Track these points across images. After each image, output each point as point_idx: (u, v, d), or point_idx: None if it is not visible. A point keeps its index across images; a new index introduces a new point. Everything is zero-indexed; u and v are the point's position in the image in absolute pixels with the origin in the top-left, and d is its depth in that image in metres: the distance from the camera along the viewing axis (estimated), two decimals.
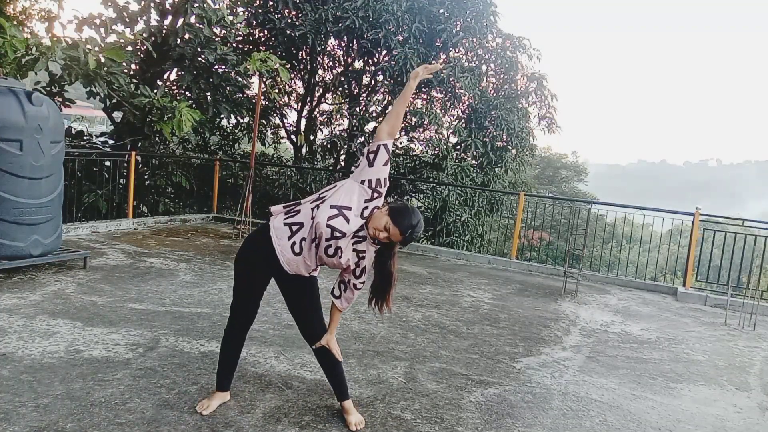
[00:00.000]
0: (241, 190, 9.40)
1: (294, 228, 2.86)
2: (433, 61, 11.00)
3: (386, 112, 12.24)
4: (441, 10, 10.82)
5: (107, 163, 9.42)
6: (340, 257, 2.79)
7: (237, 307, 3.10)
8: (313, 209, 2.83)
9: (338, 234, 2.75)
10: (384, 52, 11.19)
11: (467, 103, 11.65)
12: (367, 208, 2.81)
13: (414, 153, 12.36)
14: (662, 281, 8.61)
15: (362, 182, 2.84)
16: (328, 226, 2.74)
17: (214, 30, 9.64)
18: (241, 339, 3.16)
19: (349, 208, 2.78)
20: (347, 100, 12.53)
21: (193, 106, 9.39)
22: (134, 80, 9.30)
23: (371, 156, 2.83)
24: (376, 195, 2.84)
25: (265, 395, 3.37)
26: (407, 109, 11.47)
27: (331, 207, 2.77)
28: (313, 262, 2.89)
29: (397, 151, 12.60)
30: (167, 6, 9.46)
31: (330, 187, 2.91)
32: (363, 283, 2.95)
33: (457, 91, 11.04)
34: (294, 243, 2.85)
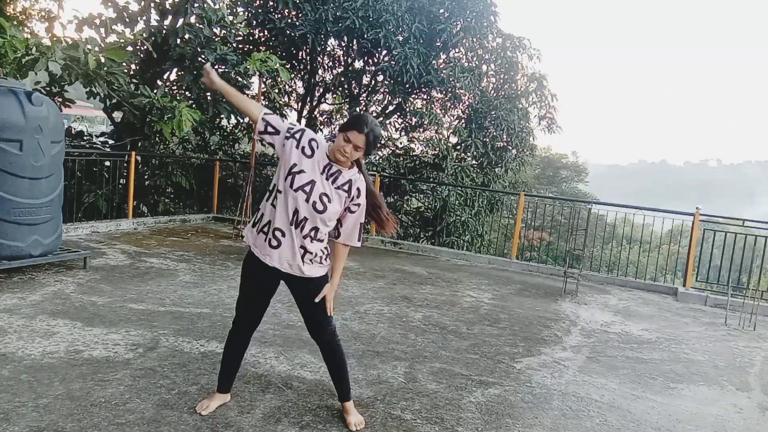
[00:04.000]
0: (241, 190, 9.41)
1: (266, 229, 2.88)
2: (432, 61, 11.01)
3: (386, 112, 12.25)
4: (441, 10, 10.82)
5: (107, 163, 9.42)
6: (330, 201, 2.81)
7: (241, 310, 3.09)
8: (272, 202, 2.87)
9: (307, 185, 2.79)
10: (384, 52, 11.19)
11: (467, 103, 11.65)
12: (304, 148, 2.85)
13: (414, 153, 12.36)
14: (662, 281, 8.60)
15: (281, 152, 2.88)
16: (296, 189, 2.78)
17: (214, 30, 9.64)
18: (244, 342, 3.15)
19: (294, 164, 2.82)
20: (347, 100, 12.54)
21: (193, 106, 9.39)
22: (134, 80, 9.30)
23: (269, 128, 2.89)
24: (294, 134, 2.87)
25: (265, 395, 3.37)
26: (407, 109, 11.49)
27: (285, 179, 2.81)
28: (301, 241, 2.83)
29: (397, 151, 12.61)
30: (167, 6, 9.45)
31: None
32: (357, 205, 2.92)
33: (457, 91, 11.05)
34: (270, 240, 2.87)
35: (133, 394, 3.23)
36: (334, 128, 13.26)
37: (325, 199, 2.81)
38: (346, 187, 2.87)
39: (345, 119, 2.88)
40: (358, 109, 11.64)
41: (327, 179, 2.84)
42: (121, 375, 3.46)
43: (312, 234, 2.86)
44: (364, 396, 3.49)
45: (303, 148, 2.85)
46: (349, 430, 3.05)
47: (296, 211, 2.80)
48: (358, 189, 2.90)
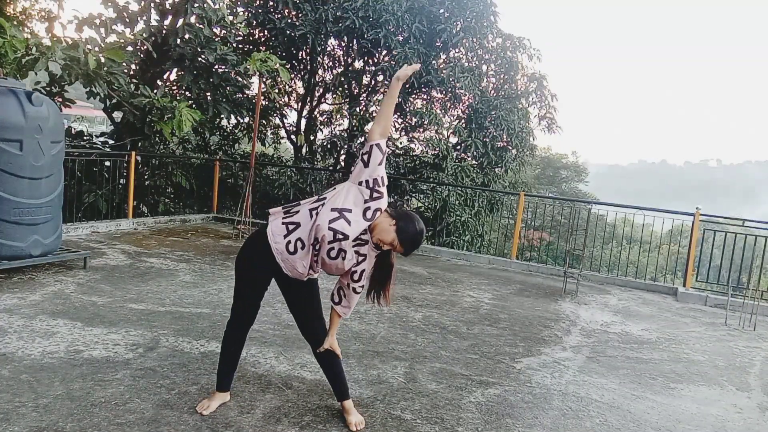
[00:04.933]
0: (241, 190, 9.40)
1: (290, 227, 2.87)
2: (432, 61, 11.01)
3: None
4: (441, 10, 10.82)
5: (107, 163, 9.42)
6: (344, 259, 2.80)
7: (237, 306, 3.10)
8: (311, 211, 2.83)
9: (340, 236, 2.75)
10: (384, 52, 11.19)
11: (467, 103, 11.65)
12: (369, 209, 2.81)
13: (414, 153, 12.35)
14: (662, 281, 8.61)
15: (360, 183, 2.83)
16: (330, 228, 2.74)
17: (214, 30, 9.64)
18: (240, 339, 3.16)
19: (350, 211, 2.78)
20: (347, 100, 12.53)
21: (193, 106, 9.39)
22: (134, 80, 9.30)
23: (365, 157, 2.83)
24: (375, 195, 2.82)
25: (265, 395, 3.37)
26: (408, 109, 11.49)
27: (332, 210, 2.77)
28: (308, 265, 2.88)
29: (397, 151, 12.60)
30: (167, 6, 9.45)
31: (330, 189, 2.92)
32: (362, 287, 2.95)
33: (457, 91, 11.04)
34: (289, 242, 2.86)
35: (133, 394, 3.23)
36: (334, 128, 13.26)
37: (342, 253, 2.80)
38: (360, 257, 2.87)
39: (408, 224, 2.74)
40: (358, 110, 11.63)
41: (353, 241, 2.80)
42: (121, 375, 3.46)
43: (316, 262, 2.89)
44: (364, 396, 3.49)
45: (366, 210, 2.81)
46: (349, 429, 3.05)
47: (317, 241, 2.81)
48: (363, 271, 2.90)
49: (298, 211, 2.89)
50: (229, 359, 3.17)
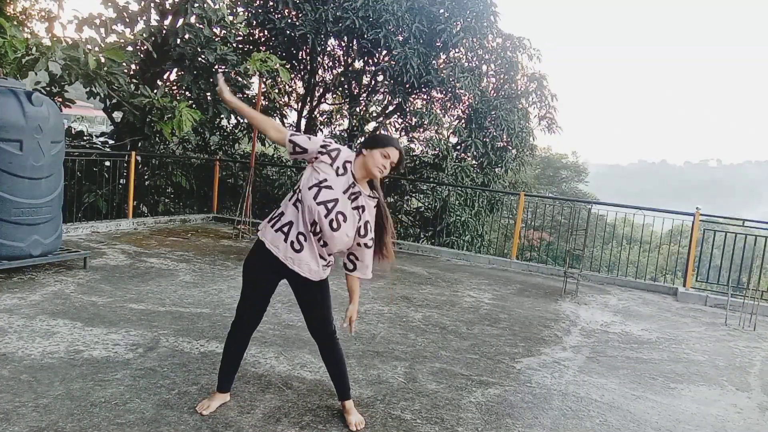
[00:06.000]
0: (241, 190, 9.41)
1: (285, 229, 2.89)
2: (432, 61, 11.00)
3: (386, 112, 12.25)
4: (441, 10, 10.82)
5: (107, 163, 9.42)
6: (346, 221, 2.85)
7: (240, 307, 3.10)
8: (294, 204, 2.89)
9: (331, 203, 2.83)
10: (384, 52, 11.20)
11: (467, 103, 11.65)
12: (333, 163, 2.89)
13: (414, 153, 12.35)
14: (662, 281, 8.61)
15: (311, 162, 2.92)
16: (319, 203, 2.81)
17: (214, 30, 9.64)
18: (242, 340, 3.15)
19: (324, 179, 2.86)
20: (347, 100, 12.53)
21: (193, 106, 9.39)
22: (134, 80, 9.30)
23: (297, 148, 2.93)
24: (329, 151, 2.91)
25: (265, 395, 3.37)
26: (408, 109, 11.49)
27: (309, 189, 2.84)
28: (318, 255, 2.90)
29: None
30: (167, 6, 9.45)
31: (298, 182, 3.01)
32: (372, 239, 2.99)
33: (457, 91, 11.04)
34: (292, 242, 2.88)
35: (133, 394, 3.23)
36: (334, 128, 13.26)
37: (341, 217, 2.84)
38: (360, 210, 2.92)
39: (371, 137, 2.96)
40: (358, 110, 11.64)
41: (348, 198, 2.88)
42: (121, 375, 3.46)
43: (323, 245, 2.91)
44: (364, 396, 3.49)
45: (337, 168, 2.89)
46: (349, 429, 3.05)
47: (314, 223, 2.84)
48: (367, 222, 2.95)
49: (283, 212, 2.93)
50: (231, 361, 3.17)
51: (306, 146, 2.92)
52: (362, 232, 2.94)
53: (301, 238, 2.87)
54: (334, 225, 2.83)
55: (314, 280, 2.95)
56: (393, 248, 3.07)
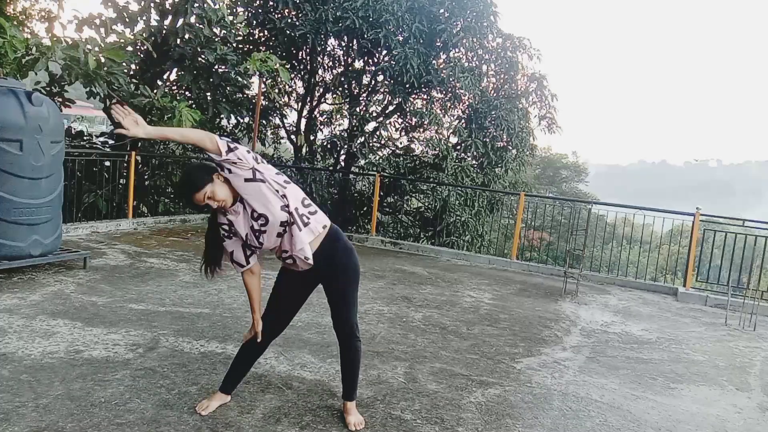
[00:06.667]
0: None
1: (248, 252, 2.95)
2: (432, 61, 10.98)
3: (386, 112, 12.25)
4: (441, 10, 10.82)
5: (107, 163, 9.41)
6: (267, 211, 2.82)
7: (269, 318, 3.11)
8: (242, 234, 2.89)
9: (241, 229, 2.89)
10: (384, 52, 11.20)
11: (467, 103, 11.65)
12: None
13: (414, 153, 12.36)
14: (662, 281, 8.60)
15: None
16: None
17: (214, 30, 9.63)
18: (259, 349, 3.18)
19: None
20: (347, 100, 12.53)
21: (193, 106, 9.39)
22: (134, 80, 9.30)
23: (234, 167, 2.80)
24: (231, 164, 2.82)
25: (265, 395, 3.37)
26: (408, 109, 11.49)
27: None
28: (274, 236, 2.87)
29: (397, 151, 12.61)
30: (167, 6, 9.45)
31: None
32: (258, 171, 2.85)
33: (457, 91, 11.04)
34: (284, 259, 2.94)
35: (133, 394, 3.23)
36: (334, 128, 13.26)
37: (262, 219, 2.82)
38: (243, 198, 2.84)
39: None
40: (358, 110, 11.63)
41: (248, 217, 2.85)
42: (121, 375, 3.46)
43: (284, 225, 2.84)
44: (364, 396, 3.49)
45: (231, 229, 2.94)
46: (349, 429, 3.05)
47: (253, 218, 2.84)
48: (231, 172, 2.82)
49: (232, 237, 2.92)
50: (241, 366, 3.20)
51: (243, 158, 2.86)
52: (235, 167, 2.80)
53: (255, 237, 2.88)
54: (262, 222, 2.85)
55: (332, 264, 2.97)
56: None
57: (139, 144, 10.18)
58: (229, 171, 2.79)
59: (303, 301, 3.15)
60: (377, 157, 12.29)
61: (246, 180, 2.79)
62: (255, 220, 2.83)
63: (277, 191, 2.83)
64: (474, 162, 11.61)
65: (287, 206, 2.84)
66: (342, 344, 3.10)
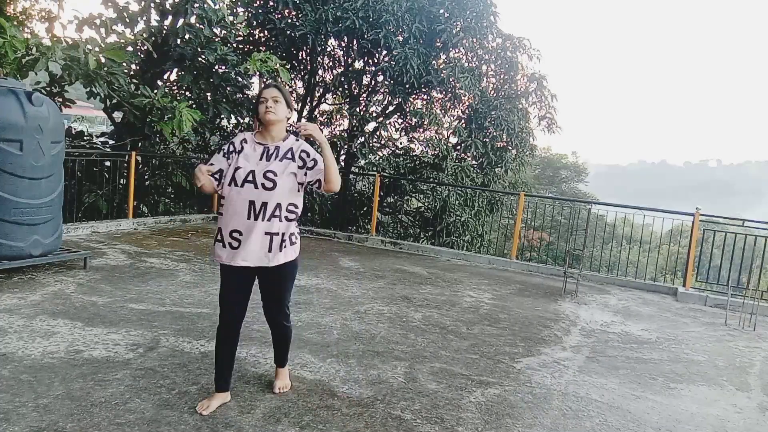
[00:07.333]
0: None
1: (219, 236, 3.06)
2: (432, 62, 11.00)
3: (386, 112, 12.25)
4: (441, 11, 10.82)
5: (107, 163, 9.42)
6: (277, 175, 2.99)
7: (224, 309, 3.17)
8: (218, 211, 3.16)
9: (247, 172, 3.01)
10: (384, 52, 11.19)
11: (467, 103, 11.65)
12: (233, 152, 3.11)
13: (414, 153, 12.36)
14: (662, 281, 8.61)
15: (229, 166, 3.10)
16: (242, 183, 2.99)
17: (215, 30, 9.63)
18: (233, 338, 3.19)
19: (236, 167, 3.05)
20: (347, 100, 12.53)
21: (193, 106, 9.39)
22: (134, 80, 9.30)
23: (216, 175, 3.08)
24: (229, 152, 3.14)
25: (265, 395, 3.37)
26: (408, 109, 11.50)
27: (228, 184, 3.04)
28: (266, 226, 2.98)
29: (397, 151, 12.60)
30: (167, 6, 9.45)
31: None
32: (315, 161, 3.09)
33: (457, 91, 11.05)
34: (230, 243, 3.02)
35: (133, 394, 3.23)
36: (334, 128, 13.26)
37: (270, 174, 2.98)
38: (289, 155, 3.07)
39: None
40: (358, 110, 11.63)
41: (268, 159, 3.03)
42: (121, 375, 3.46)
43: (278, 213, 3.00)
44: (364, 396, 3.49)
45: (232, 152, 3.08)
46: (272, 391, 3.30)
47: (252, 203, 2.96)
48: (304, 152, 3.10)
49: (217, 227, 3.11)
50: (224, 359, 3.21)
51: (219, 164, 3.07)
52: (309, 164, 3.06)
53: (236, 234, 2.99)
54: (268, 185, 2.97)
55: (270, 266, 3.05)
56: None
57: (140, 144, 10.20)
58: (304, 174, 3.08)
59: (252, 285, 3.18)
60: (377, 157, 12.29)
61: (300, 183, 3.09)
62: (265, 178, 2.98)
63: (298, 206, 3.12)
64: (474, 162, 11.61)
65: (293, 212, 3.09)
66: (278, 328, 3.32)
